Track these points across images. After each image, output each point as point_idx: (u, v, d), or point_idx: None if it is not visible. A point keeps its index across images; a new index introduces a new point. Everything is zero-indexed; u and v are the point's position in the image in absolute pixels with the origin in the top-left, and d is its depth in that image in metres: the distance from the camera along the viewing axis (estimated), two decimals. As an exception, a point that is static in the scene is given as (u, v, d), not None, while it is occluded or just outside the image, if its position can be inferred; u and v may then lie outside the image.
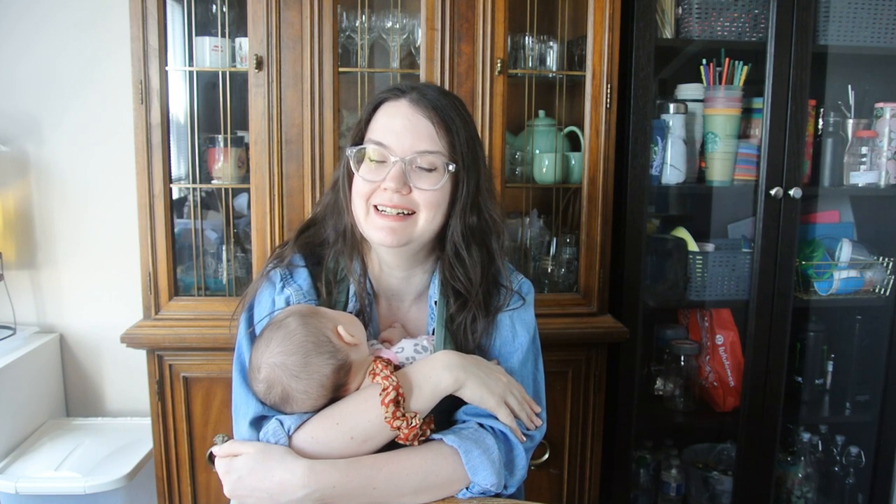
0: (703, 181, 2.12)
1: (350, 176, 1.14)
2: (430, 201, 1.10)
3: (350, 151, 1.12)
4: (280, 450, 1.00)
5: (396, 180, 1.08)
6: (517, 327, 1.19)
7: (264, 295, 1.15)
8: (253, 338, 1.10)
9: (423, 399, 1.04)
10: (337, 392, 1.04)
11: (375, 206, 1.10)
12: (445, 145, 1.10)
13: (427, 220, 1.11)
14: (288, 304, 1.12)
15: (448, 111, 1.11)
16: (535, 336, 1.22)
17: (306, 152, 1.79)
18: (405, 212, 1.10)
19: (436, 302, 1.18)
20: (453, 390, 1.05)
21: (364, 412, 1.02)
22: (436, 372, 1.05)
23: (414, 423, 1.01)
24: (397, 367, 1.07)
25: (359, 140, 1.13)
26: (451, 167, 1.10)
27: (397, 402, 1.01)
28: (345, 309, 1.15)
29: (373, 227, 1.11)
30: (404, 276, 1.19)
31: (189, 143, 1.84)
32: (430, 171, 1.10)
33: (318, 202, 1.26)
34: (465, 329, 1.16)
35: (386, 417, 1.00)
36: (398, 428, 1.01)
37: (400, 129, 1.09)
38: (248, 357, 1.07)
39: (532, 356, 1.20)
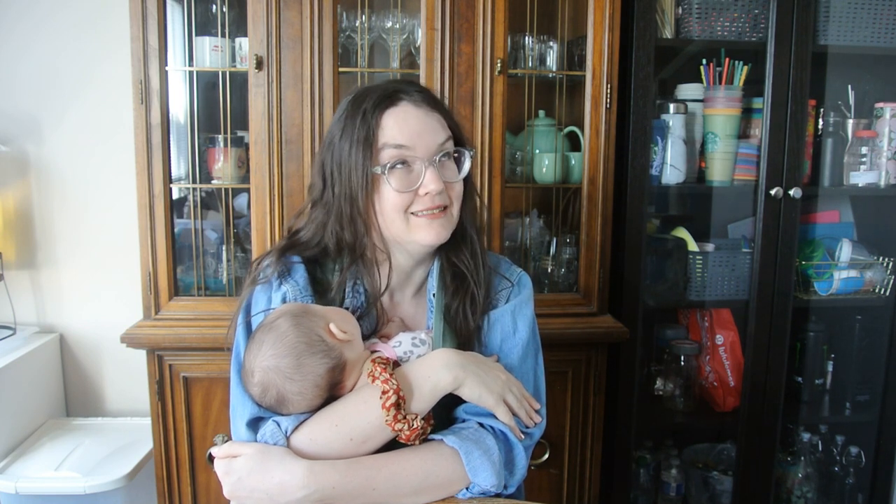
0: (703, 181, 2.12)
1: (369, 193, 1.09)
2: (459, 192, 1.14)
3: (379, 170, 1.08)
4: (279, 451, 1.00)
5: (436, 181, 1.08)
6: (518, 322, 1.19)
7: (261, 293, 1.14)
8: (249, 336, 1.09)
9: (424, 399, 1.04)
10: (333, 391, 1.04)
11: (412, 213, 1.10)
12: (451, 131, 1.13)
13: (458, 210, 1.14)
14: (284, 300, 1.11)
15: (438, 100, 1.15)
16: (535, 331, 1.21)
17: (306, 152, 1.79)
18: (441, 207, 1.11)
19: (434, 295, 1.17)
20: (452, 389, 1.05)
21: (364, 413, 1.02)
22: (435, 371, 1.05)
23: (415, 425, 1.01)
24: (395, 363, 1.07)
25: (370, 154, 1.07)
26: (471, 151, 1.15)
27: (398, 405, 1.00)
28: (342, 305, 1.15)
29: (420, 232, 1.10)
30: (411, 269, 1.19)
31: (189, 143, 1.84)
32: (448, 160, 1.12)
33: (300, 222, 1.19)
34: (464, 312, 1.16)
35: (387, 420, 1.00)
36: (400, 430, 1.01)
37: (418, 129, 1.09)
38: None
39: (532, 352, 1.20)
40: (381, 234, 1.13)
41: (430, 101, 1.12)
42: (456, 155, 1.14)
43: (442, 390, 1.05)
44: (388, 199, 1.09)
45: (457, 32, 1.79)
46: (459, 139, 1.16)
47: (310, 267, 1.16)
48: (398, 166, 1.09)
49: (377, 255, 1.15)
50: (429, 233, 1.10)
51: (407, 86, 1.13)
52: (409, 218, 1.10)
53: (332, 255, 1.16)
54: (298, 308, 1.06)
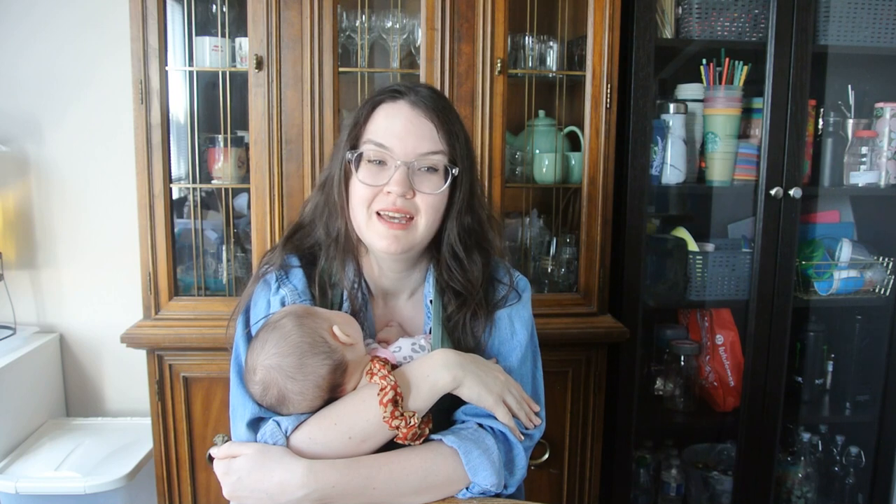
0: (703, 181, 2.12)
1: (346, 179, 1.12)
2: (430, 205, 1.10)
3: (349, 155, 1.11)
4: (279, 450, 1.00)
5: (401, 184, 1.07)
6: (515, 325, 1.19)
7: (260, 296, 1.15)
8: (249, 339, 1.09)
9: (422, 398, 1.04)
10: (333, 392, 1.04)
11: (377, 212, 1.10)
12: (446, 147, 1.10)
13: (427, 226, 1.11)
14: (283, 304, 1.12)
15: (447, 112, 1.12)
16: (534, 334, 1.21)
17: (306, 152, 1.79)
18: (407, 216, 1.09)
19: (431, 301, 1.18)
20: (451, 389, 1.05)
21: (362, 412, 1.02)
22: (434, 370, 1.05)
23: (413, 423, 1.01)
24: (395, 367, 1.07)
25: (355, 142, 1.12)
26: (455, 170, 1.11)
27: (395, 402, 1.00)
28: (340, 309, 1.15)
29: (375, 235, 1.10)
30: (399, 276, 1.19)
31: (189, 143, 1.84)
32: (431, 173, 1.10)
33: (305, 204, 1.23)
34: (464, 326, 1.16)
35: (384, 417, 1.00)
36: (397, 427, 1.01)
37: (402, 132, 1.08)
38: (245, 358, 1.07)
39: (531, 354, 1.20)
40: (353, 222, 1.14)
41: (430, 107, 1.10)
42: (454, 172, 1.11)
43: (441, 389, 1.05)
44: (356, 189, 1.11)
45: (457, 32, 1.79)
46: (454, 156, 1.12)
47: (308, 270, 1.16)
48: (372, 161, 1.09)
49: (361, 246, 1.17)
50: (381, 240, 1.10)
51: (417, 87, 1.13)
52: (371, 216, 1.10)
53: (325, 244, 1.17)
54: (302, 309, 1.07)
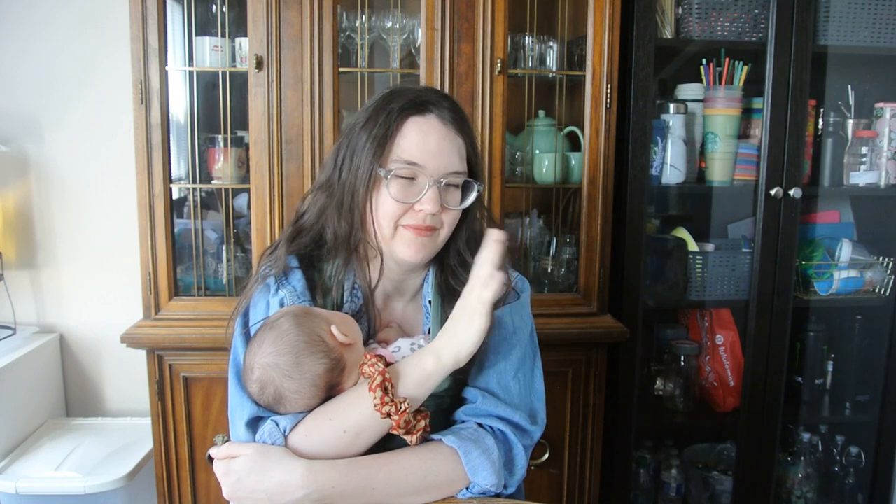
0: (703, 181, 2.12)
1: (369, 190, 1.10)
2: (453, 218, 1.13)
3: (382, 171, 1.08)
4: (278, 450, 1.00)
5: (435, 202, 1.08)
6: (515, 325, 1.19)
7: (259, 298, 1.15)
8: (247, 340, 1.09)
9: (411, 383, 1.03)
10: (331, 392, 1.04)
11: (402, 225, 1.10)
12: (470, 161, 1.14)
13: (446, 236, 1.14)
14: (282, 305, 1.11)
15: (470, 127, 1.14)
16: (533, 333, 1.22)
17: (306, 152, 1.79)
18: (430, 228, 1.11)
19: (430, 301, 1.18)
20: (436, 365, 1.04)
21: (355, 405, 1.02)
22: (420, 358, 1.05)
23: (404, 409, 1.00)
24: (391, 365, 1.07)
25: (383, 156, 1.08)
26: (479, 186, 1.14)
27: (385, 388, 1.00)
28: (340, 310, 1.15)
29: (402, 244, 1.10)
30: (402, 278, 1.20)
31: (189, 143, 1.84)
32: (454, 188, 1.12)
33: (302, 202, 1.20)
34: None
35: (375, 405, 0.99)
36: (388, 414, 1.00)
37: (435, 149, 1.08)
38: (243, 359, 1.07)
39: (531, 353, 1.20)
40: (373, 232, 1.13)
41: (457, 122, 1.11)
42: (479, 188, 1.14)
43: (429, 373, 1.03)
44: (384, 203, 1.09)
45: (457, 32, 1.79)
46: (474, 170, 1.15)
47: (307, 272, 1.16)
48: (403, 177, 1.09)
49: (369, 252, 1.16)
50: (409, 248, 1.10)
51: (441, 99, 1.12)
52: (398, 229, 1.10)
53: (328, 247, 1.16)
54: (301, 309, 1.07)
